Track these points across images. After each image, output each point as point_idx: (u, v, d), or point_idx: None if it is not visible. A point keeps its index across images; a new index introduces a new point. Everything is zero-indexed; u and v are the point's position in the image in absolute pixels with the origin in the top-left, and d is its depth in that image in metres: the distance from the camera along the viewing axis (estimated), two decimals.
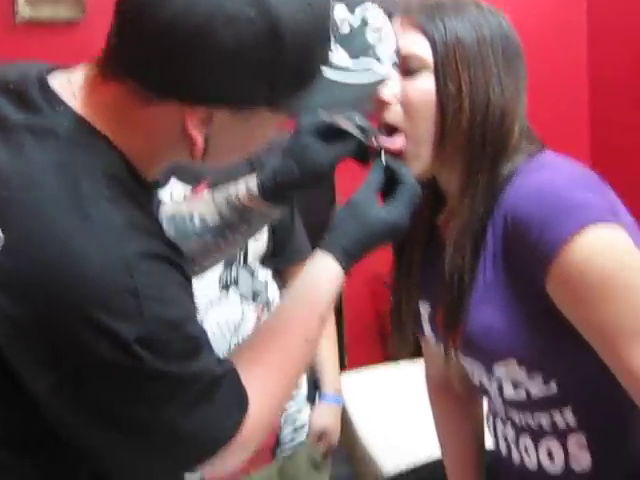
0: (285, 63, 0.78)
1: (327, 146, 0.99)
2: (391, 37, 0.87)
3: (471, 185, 0.99)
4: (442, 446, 1.25)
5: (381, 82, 0.88)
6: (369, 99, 0.89)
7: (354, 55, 0.86)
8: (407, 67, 0.99)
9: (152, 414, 0.79)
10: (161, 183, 1.07)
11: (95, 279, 0.72)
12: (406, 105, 0.99)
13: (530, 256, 0.93)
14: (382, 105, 0.99)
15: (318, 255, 0.93)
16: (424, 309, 1.07)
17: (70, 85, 0.81)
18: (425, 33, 0.98)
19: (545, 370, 1.00)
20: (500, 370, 1.01)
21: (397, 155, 0.99)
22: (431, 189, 1.05)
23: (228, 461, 0.88)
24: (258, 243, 1.47)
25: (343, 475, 1.54)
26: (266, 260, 1.53)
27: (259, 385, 0.86)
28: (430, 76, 0.98)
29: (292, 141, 1.01)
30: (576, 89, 3.40)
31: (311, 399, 1.65)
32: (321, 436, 1.64)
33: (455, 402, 1.23)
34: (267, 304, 1.55)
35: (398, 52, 0.99)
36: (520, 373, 1.00)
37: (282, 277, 1.66)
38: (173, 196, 1.48)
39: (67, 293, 0.72)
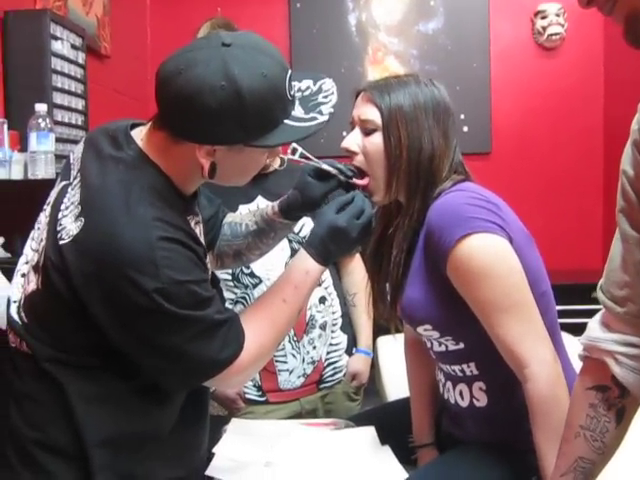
0: (250, 115, 0.95)
1: (319, 183, 1.23)
2: (333, 99, 1.06)
3: (409, 207, 1.17)
4: (410, 388, 1.42)
5: (320, 125, 1.02)
6: (311, 136, 1.03)
7: (306, 110, 1.04)
8: (365, 128, 1.19)
9: (168, 342, 0.96)
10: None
11: (129, 251, 0.92)
12: (366, 155, 1.19)
13: (435, 251, 1.10)
14: (352, 154, 1.21)
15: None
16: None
17: (140, 132, 1.05)
18: (376, 104, 1.17)
19: (454, 335, 1.15)
20: (422, 333, 1.18)
21: (364, 188, 1.20)
22: (398, 211, 1.24)
23: (228, 381, 1.07)
24: None
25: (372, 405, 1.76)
26: None
27: (253, 330, 1.05)
28: (380, 134, 1.17)
29: (299, 179, 1.25)
30: (593, 141, 3.60)
31: (348, 351, 1.92)
32: (354, 377, 1.91)
33: (421, 357, 1.38)
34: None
35: (357, 117, 1.20)
36: (436, 335, 1.16)
37: (337, 266, 1.96)
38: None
39: (112, 259, 0.92)
